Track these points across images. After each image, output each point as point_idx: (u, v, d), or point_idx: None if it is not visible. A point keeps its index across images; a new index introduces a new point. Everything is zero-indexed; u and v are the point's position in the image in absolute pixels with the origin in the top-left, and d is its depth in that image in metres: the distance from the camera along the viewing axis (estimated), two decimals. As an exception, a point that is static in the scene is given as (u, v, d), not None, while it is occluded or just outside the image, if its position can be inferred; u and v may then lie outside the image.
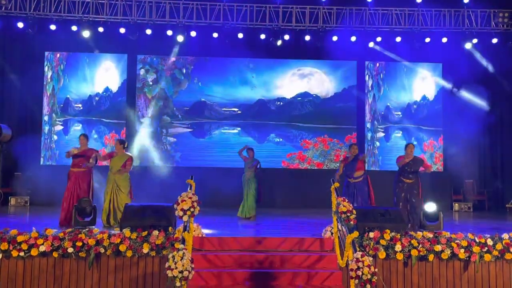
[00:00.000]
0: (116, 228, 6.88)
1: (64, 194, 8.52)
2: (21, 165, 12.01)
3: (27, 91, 12.75)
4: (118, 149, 8.75)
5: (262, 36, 12.31)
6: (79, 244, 6.41)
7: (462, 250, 6.70)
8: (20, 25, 11.72)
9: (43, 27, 11.82)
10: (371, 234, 6.73)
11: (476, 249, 6.70)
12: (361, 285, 5.17)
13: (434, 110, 13.79)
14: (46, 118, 13.17)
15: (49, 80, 13.25)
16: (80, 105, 13.29)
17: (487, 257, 6.72)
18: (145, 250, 6.44)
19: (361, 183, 9.01)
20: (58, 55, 13.28)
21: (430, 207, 7.70)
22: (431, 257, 6.70)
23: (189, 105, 13.46)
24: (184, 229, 5.78)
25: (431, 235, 6.85)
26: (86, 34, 11.85)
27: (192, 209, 5.85)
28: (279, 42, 12.33)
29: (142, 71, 13.44)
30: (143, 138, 13.28)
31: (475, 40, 12.30)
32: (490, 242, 6.77)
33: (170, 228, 6.71)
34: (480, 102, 13.04)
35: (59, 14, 11.78)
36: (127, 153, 8.89)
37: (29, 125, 12.85)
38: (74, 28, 11.85)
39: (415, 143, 13.59)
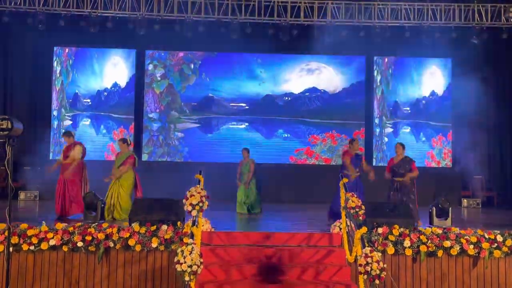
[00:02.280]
0: (125, 223, 6.91)
1: (56, 187, 8.53)
2: (31, 160, 12.07)
3: (36, 86, 12.84)
4: (122, 148, 8.86)
5: (270, 31, 12.26)
6: (88, 238, 6.45)
7: (472, 246, 6.67)
8: (29, 20, 11.74)
9: (52, 22, 11.85)
10: (380, 230, 6.72)
11: (485, 245, 6.67)
12: (369, 280, 5.17)
13: (443, 106, 13.71)
14: (55, 113, 13.24)
15: (58, 75, 13.30)
16: (88, 100, 13.33)
17: (497, 253, 6.68)
18: (154, 244, 6.46)
19: (359, 178, 8.85)
20: (66, 50, 13.33)
21: (443, 203, 7.66)
22: (440, 253, 6.67)
23: (197, 100, 13.47)
24: (193, 224, 5.80)
25: (440, 231, 6.82)
26: (94, 29, 11.88)
27: (200, 204, 5.86)
28: (287, 37, 12.28)
29: (150, 66, 13.46)
30: (151, 133, 13.33)
31: (485, 35, 12.18)
32: (499, 238, 6.73)
33: (179, 222, 6.72)
34: (489, 97, 12.94)
35: (67, 9, 11.81)
36: (130, 151, 8.94)
37: (38, 119, 12.94)
38: (82, 23, 11.87)
39: (423, 138, 13.62)
